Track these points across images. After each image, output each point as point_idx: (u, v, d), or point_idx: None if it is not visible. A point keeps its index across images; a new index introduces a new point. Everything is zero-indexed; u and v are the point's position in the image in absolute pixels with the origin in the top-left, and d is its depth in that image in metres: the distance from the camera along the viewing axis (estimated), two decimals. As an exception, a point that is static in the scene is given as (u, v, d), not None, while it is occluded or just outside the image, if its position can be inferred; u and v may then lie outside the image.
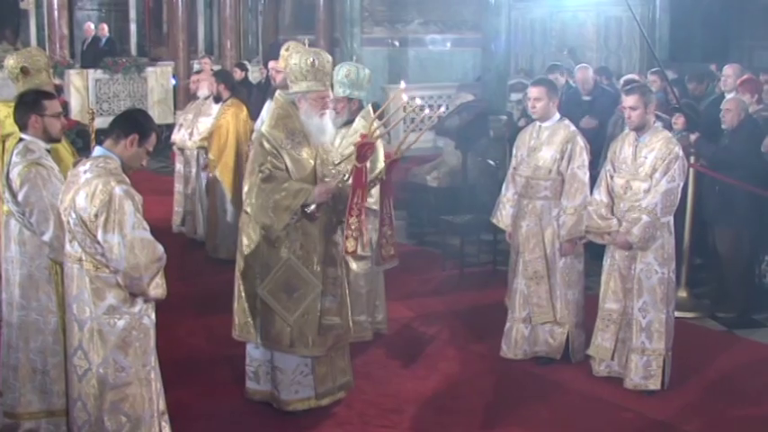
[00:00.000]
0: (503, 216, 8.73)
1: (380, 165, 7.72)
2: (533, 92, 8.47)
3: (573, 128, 8.43)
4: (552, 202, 8.34)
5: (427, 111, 7.31)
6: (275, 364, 7.23)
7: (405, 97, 7.05)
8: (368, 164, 6.95)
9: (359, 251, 7.58)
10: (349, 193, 6.90)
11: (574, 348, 8.45)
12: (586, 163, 8.25)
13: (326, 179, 7.13)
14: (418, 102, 7.14)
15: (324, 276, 7.18)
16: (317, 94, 7.07)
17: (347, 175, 7.00)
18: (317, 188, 6.95)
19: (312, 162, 7.10)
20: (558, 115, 8.45)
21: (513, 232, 8.63)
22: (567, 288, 8.41)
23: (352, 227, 6.92)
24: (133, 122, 5.73)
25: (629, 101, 7.80)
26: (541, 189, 8.35)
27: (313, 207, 6.94)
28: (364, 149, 6.84)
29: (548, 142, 8.34)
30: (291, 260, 7.03)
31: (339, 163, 7.72)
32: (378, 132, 7.09)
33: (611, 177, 7.94)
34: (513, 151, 8.79)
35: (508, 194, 8.69)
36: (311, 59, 7.02)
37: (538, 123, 8.50)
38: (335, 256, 7.31)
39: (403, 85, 7.04)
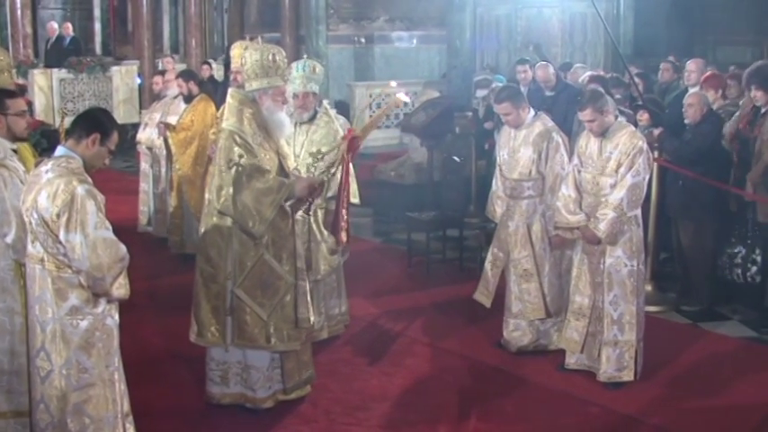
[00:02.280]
0: (496, 211, 8.80)
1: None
2: (500, 109, 8.49)
3: (549, 123, 8.47)
4: (537, 200, 8.41)
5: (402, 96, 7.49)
6: (248, 363, 7.20)
7: (404, 98, 7.22)
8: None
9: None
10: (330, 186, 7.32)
11: None
12: (565, 158, 8.27)
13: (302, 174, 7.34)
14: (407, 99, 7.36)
15: (294, 270, 7.19)
16: (278, 90, 7.15)
17: (333, 168, 7.15)
18: (299, 183, 7.02)
19: (277, 157, 7.11)
20: (531, 113, 8.48)
21: (501, 231, 8.68)
22: (560, 278, 8.49)
23: (344, 218, 7.08)
24: (94, 121, 5.70)
25: (584, 115, 7.81)
26: (525, 189, 8.41)
27: (292, 201, 7.01)
28: (354, 143, 7.18)
29: (525, 142, 8.38)
30: (265, 256, 7.01)
31: (325, 154, 7.82)
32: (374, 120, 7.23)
33: (579, 172, 7.96)
34: (497, 149, 8.85)
35: (499, 191, 8.73)
36: (272, 55, 7.07)
37: None
38: (301, 250, 7.37)
39: (394, 83, 7.21)
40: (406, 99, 7.15)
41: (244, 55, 7.32)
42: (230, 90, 7.40)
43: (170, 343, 8.74)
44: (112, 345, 5.76)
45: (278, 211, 6.91)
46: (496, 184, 8.78)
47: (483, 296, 8.89)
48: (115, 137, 5.75)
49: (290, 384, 7.31)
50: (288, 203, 7.00)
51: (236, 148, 6.87)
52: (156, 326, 9.26)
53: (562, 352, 8.24)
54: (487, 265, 8.87)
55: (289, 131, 7.61)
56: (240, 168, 6.81)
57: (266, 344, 7.06)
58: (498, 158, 8.77)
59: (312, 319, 7.38)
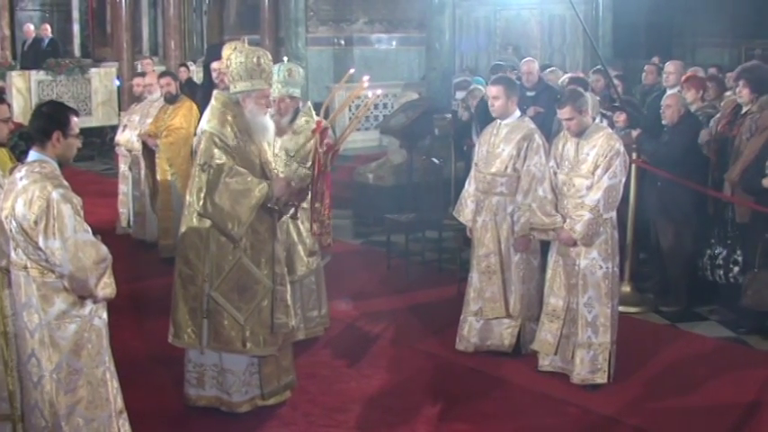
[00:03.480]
0: (464, 211, 8.76)
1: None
2: (492, 91, 8.53)
3: (532, 125, 8.49)
4: (507, 199, 8.40)
5: (370, 93, 7.60)
6: (224, 367, 7.19)
7: (369, 93, 7.28)
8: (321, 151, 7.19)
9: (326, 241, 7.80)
10: (308, 183, 7.25)
11: (525, 341, 8.51)
12: (543, 160, 8.26)
13: (281, 175, 7.37)
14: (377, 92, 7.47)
15: (273, 275, 7.17)
16: (261, 93, 7.12)
17: (309, 163, 7.31)
18: (277, 183, 7.01)
19: (258, 161, 7.10)
20: (518, 113, 8.52)
21: (472, 227, 8.66)
22: (522, 283, 8.48)
23: (318, 211, 7.08)
24: (48, 121, 5.66)
25: (563, 113, 7.86)
26: (498, 185, 8.40)
27: (272, 203, 7.00)
28: (323, 134, 7.15)
29: (506, 140, 8.40)
30: (243, 259, 7.01)
31: (299, 150, 7.81)
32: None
33: (555, 174, 7.98)
34: (476, 147, 8.85)
35: (470, 190, 8.73)
36: (257, 58, 7.04)
37: (498, 121, 8.54)
38: (280, 254, 7.34)
39: (366, 78, 7.25)
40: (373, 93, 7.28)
41: (230, 57, 7.31)
42: (215, 92, 7.41)
43: (150, 345, 8.71)
44: (102, 344, 5.80)
45: (257, 215, 6.91)
46: (469, 184, 8.78)
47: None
48: (74, 121, 5.71)
49: (268, 389, 7.30)
50: (269, 205, 6.99)
51: (215, 150, 6.85)
52: (136, 328, 9.23)
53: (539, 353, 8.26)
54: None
55: (271, 135, 7.60)
56: (218, 171, 6.80)
57: (242, 348, 7.05)
58: (475, 156, 8.76)
59: (291, 324, 7.36)
